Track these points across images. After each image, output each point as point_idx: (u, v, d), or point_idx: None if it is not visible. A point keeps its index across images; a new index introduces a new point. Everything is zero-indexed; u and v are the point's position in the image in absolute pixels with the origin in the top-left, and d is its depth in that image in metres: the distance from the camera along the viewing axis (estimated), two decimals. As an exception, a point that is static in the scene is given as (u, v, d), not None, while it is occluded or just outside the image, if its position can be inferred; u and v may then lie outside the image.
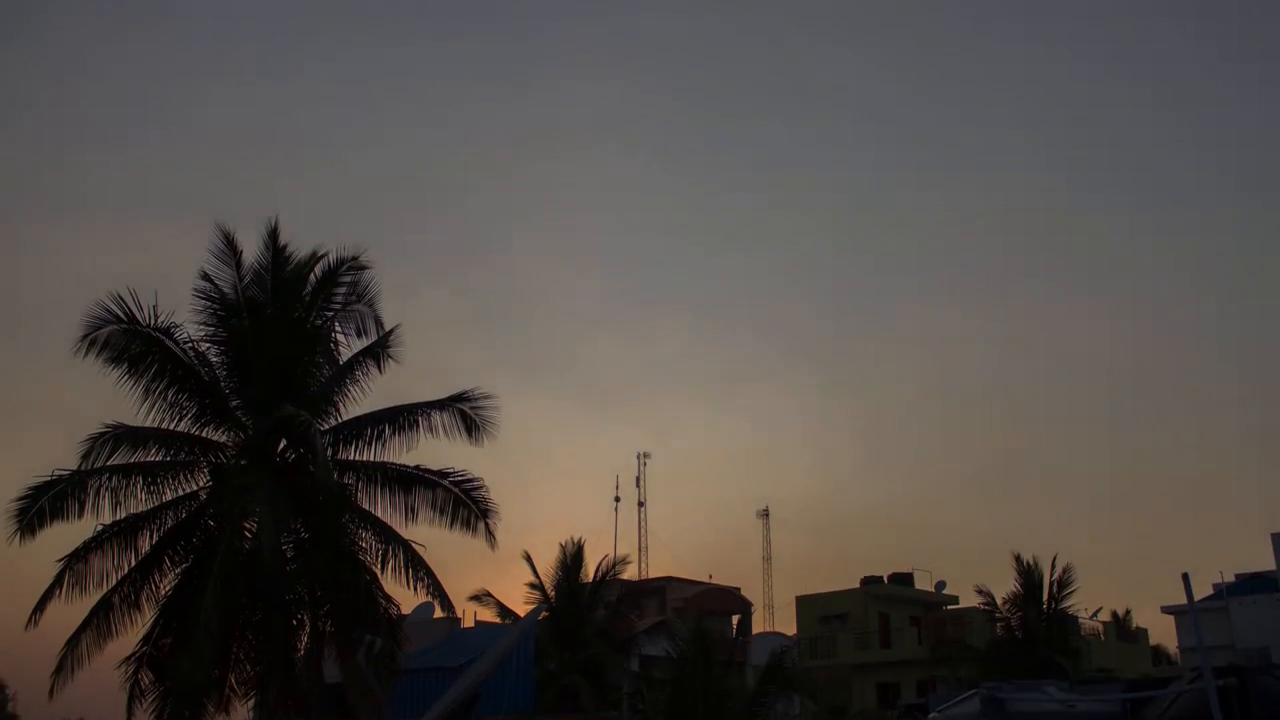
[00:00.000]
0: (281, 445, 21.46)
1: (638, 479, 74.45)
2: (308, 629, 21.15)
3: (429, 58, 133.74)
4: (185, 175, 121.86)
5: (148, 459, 20.47)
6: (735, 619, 64.69)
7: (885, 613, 57.65)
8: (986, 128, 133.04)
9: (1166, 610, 58.92)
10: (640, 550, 73.20)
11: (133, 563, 20.32)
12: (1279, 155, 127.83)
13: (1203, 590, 56.85)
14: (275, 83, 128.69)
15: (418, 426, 21.96)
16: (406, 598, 22.51)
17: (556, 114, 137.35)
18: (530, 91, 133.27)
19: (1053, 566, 44.67)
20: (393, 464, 21.89)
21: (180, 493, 20.75)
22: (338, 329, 22.22)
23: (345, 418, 22.17)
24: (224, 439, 21.37)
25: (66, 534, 19.71)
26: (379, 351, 22.45)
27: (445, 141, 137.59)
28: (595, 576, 39.70)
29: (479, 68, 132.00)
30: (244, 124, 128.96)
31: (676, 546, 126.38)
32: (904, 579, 60.09)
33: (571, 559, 39.61)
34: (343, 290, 21.94)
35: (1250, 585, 56.24)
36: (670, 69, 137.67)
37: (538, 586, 39.50)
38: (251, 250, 21.67)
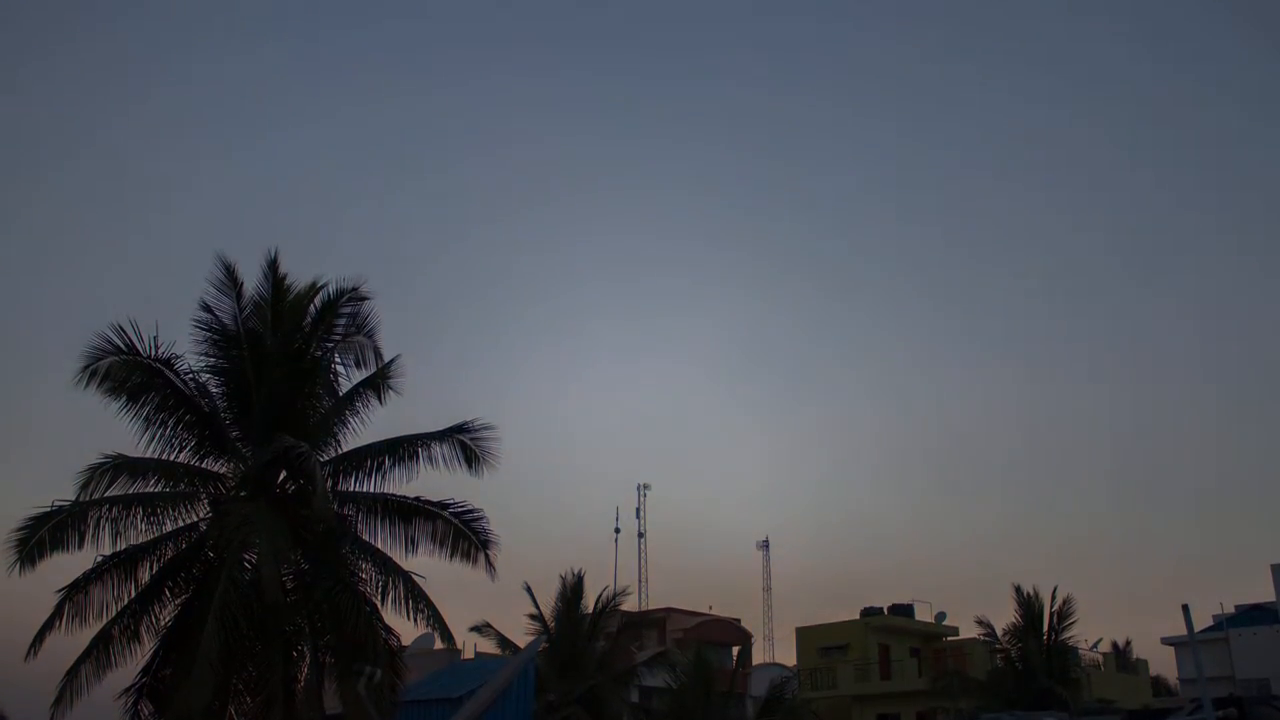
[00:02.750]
0: (281, 476, 21.49)
1: (638, 510, 74.44)
2: (308, 660, 21.10)
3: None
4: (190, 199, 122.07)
5: (147, 490, 20.51)
6: (735, 650, 64.59)
7: (885, 644, 57.56)
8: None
9: (1166, 641, 58.87)
10: (640, 581, 73.17)
11: (132, 594, 20.32)
12: None
13: (1203, 621, 56.97)
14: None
15: (418, 457, 22.01)
16: (406, 629, 22.55)
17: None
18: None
19: (1053, 598, 44.54)
20: (393, 495, 21.91)
21: (180, 524, 20.76)
22: (337, 360, 22.28)
23: (345, 449, 22.23)
24: (224, 470, 21.42)
25: (66, 565, 19.76)
26: (379, 383, 22.51)
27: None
28: (595, 607, 39.61)
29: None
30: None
31: (676, 577, 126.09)
32: (904, 610, 59.96)
33: (571, 590, 39.53)
34: (342, 321, 22.01)
35: (1250, 616, 56.23)
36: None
37: (538, 617, 39.46)
38: (252, 280, 21.82)
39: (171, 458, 20.90)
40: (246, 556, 19.83)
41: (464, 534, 21.63)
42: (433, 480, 22.00)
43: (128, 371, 19.96)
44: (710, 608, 67.98)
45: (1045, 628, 44.29)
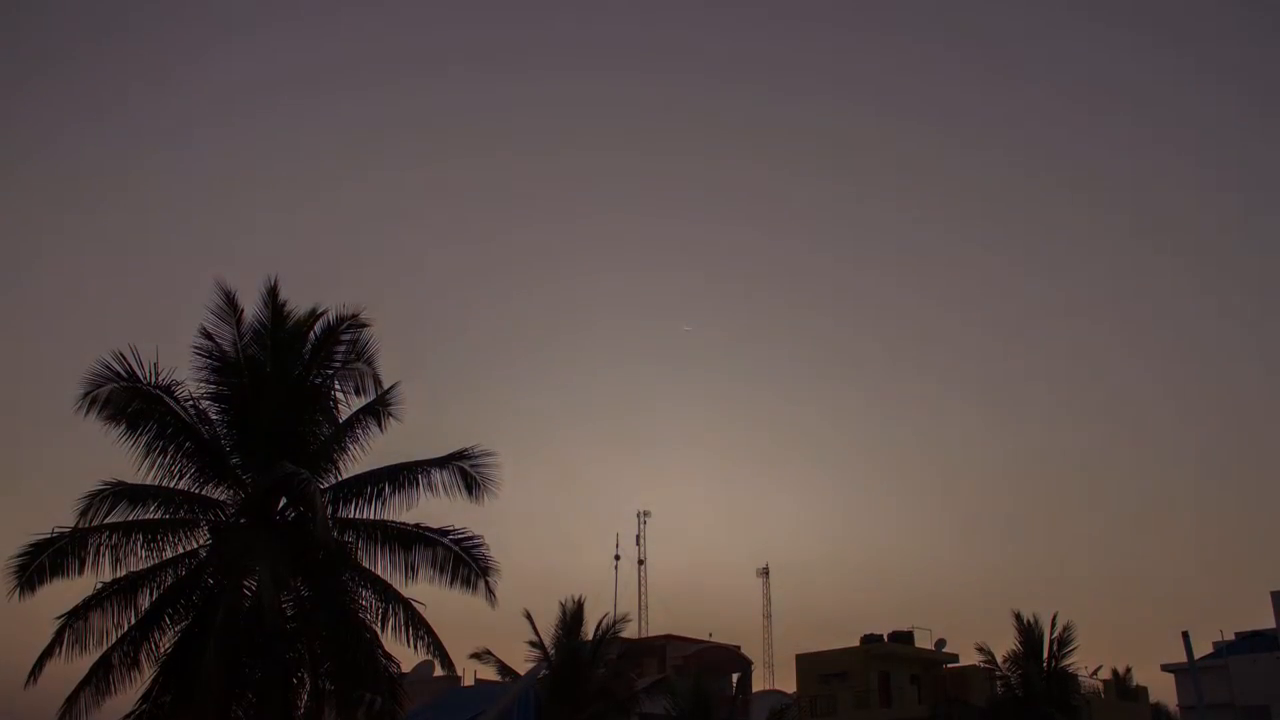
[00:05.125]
0: (281, 503, 21.47)
1: (638, 537, 74.31)
2: (308, 687, 21.04)
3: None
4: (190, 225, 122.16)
5: (147, 516, 20.46)
6: (735, 677, 64.31)
7: (885, 671, 57.30)
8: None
9: (1167, 668, 58.71)
10: (640, 608, 72.97)
11: (132, 620, 20.26)
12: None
13: (1203, 648, 56.76)
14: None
15: (418, 484, 21.99)
16: (406, 656, 22.50)
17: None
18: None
19: (1053, 624, 44.54)
20: (393, 522, 21.88)
21: (180, 550, 20.74)
22: (337, 387, 22.25)
23: (345, 476, 22.20)
24: (224, 497, 21.39)
25: (66, 591, 19.74)
26: (379, 409, 22.46)
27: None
28: (595, 634, 39.58)
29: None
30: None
31: (676, 604, 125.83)
32: (904, 637, 59.62)
33: (572, 617, 39.54)
34: (342, 348, 22.00)
35: (1250, 643, 56.11)
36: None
37: (538, 644, 39.41)
38: (251, 307, 21.85)
39: (171, 484, 20.86)
40: (246, 583, 19.82)
41: (464, 561, 21.61)
42: (433, 507, 22.02)
43: (128, 398, 19.94)
44: (710, 635, 67.78)
45: (1045, 655, 44.24)
